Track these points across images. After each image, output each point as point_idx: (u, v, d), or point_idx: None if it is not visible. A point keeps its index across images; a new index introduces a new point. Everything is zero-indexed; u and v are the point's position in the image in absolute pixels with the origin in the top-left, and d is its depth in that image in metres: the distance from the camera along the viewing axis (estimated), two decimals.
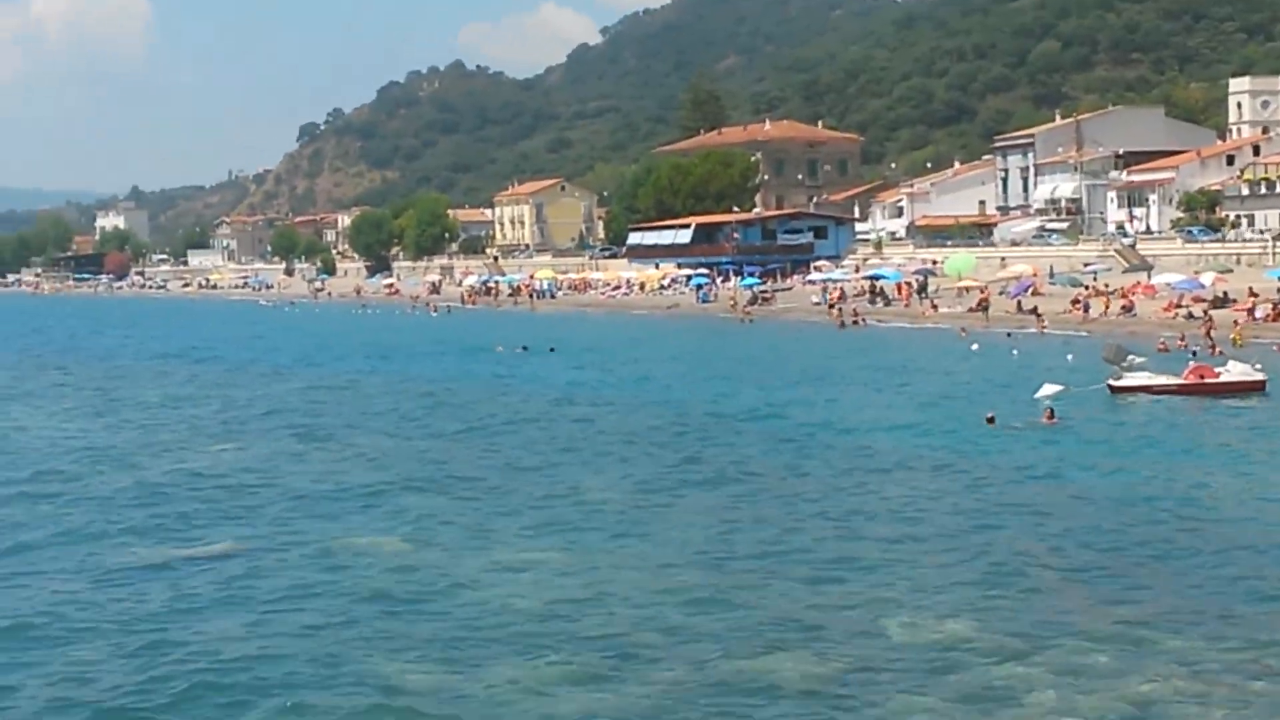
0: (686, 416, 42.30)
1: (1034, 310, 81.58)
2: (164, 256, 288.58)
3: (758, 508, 27.02)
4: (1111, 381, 45.19)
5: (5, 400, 52.60)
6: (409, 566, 22.15)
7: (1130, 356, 46.26)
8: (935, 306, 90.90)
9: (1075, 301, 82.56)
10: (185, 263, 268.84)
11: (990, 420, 38.36)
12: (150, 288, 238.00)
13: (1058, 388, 44.41)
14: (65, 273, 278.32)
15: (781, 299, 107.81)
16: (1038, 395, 43.52)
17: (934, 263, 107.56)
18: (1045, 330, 74.88)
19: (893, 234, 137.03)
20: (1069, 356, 56.47)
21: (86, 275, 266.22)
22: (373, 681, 16.36)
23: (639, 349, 72.39)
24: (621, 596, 20.04)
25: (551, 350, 70.42)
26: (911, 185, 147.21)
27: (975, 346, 65.45)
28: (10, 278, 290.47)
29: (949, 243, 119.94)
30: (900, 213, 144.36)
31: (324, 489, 29.70)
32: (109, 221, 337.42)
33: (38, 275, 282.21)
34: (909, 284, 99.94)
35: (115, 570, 22.35)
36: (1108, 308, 79.40)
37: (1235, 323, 67.60)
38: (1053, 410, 39.35)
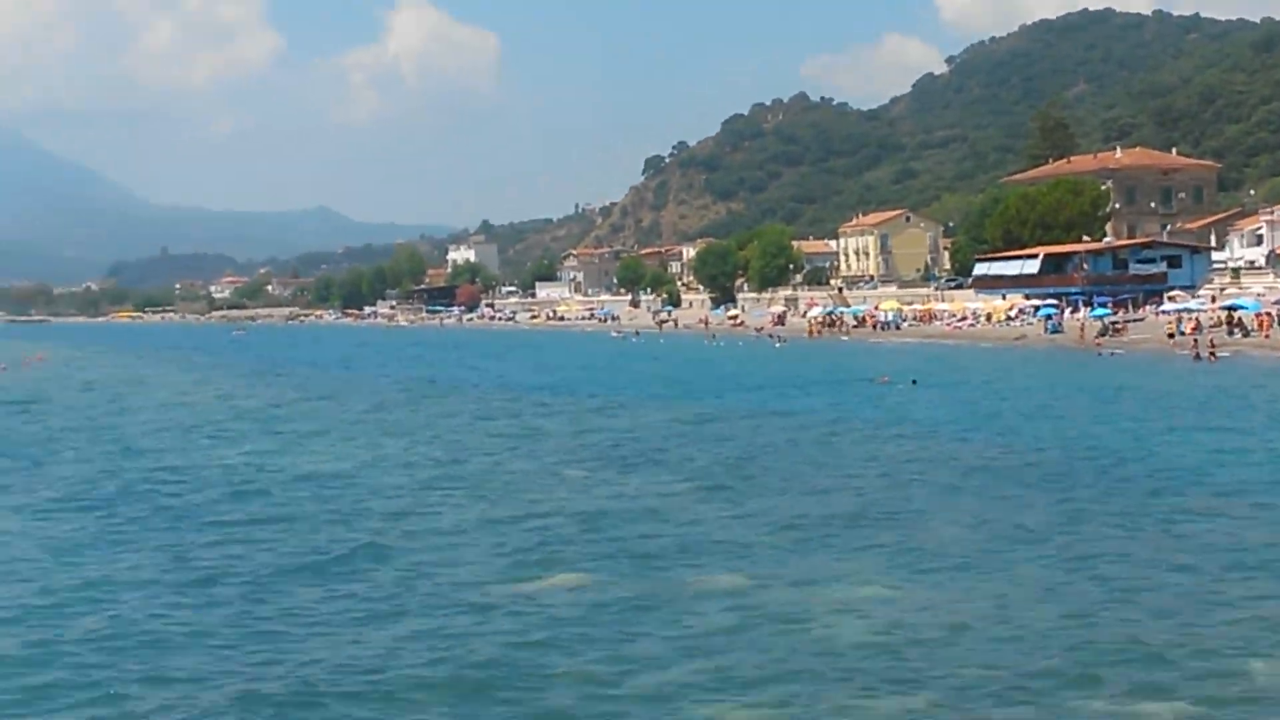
0: (1040, 453, 40.97)
1: None
2: (513, 288, 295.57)
3: (1110, 548, 25.83)
4: None
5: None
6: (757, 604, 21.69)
7: None
8: None
9: None
10: (533, 294, 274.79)
11: None
12: (500, 319, 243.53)
13: None
14: (419, 305, 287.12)
15: (1133, 330, 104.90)
16: None
17: None
18: None
19: (1252, 263, 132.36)
20: None
21: (439, 308, 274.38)
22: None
23: (991, 381, 71.02)
24: (971, 635, 19.33)
25: (914, 383, 69.42)
26: (1272, 212, 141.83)
27: None
28: (366, 309, 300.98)
29: None
30: (1260, 241, 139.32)
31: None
32: (460, 255, 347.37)
33: (393, 308, 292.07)
34: (1270, 315, 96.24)
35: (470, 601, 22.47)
36: None
37: None
38: None
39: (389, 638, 19.95)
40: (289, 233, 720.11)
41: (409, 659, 18.81)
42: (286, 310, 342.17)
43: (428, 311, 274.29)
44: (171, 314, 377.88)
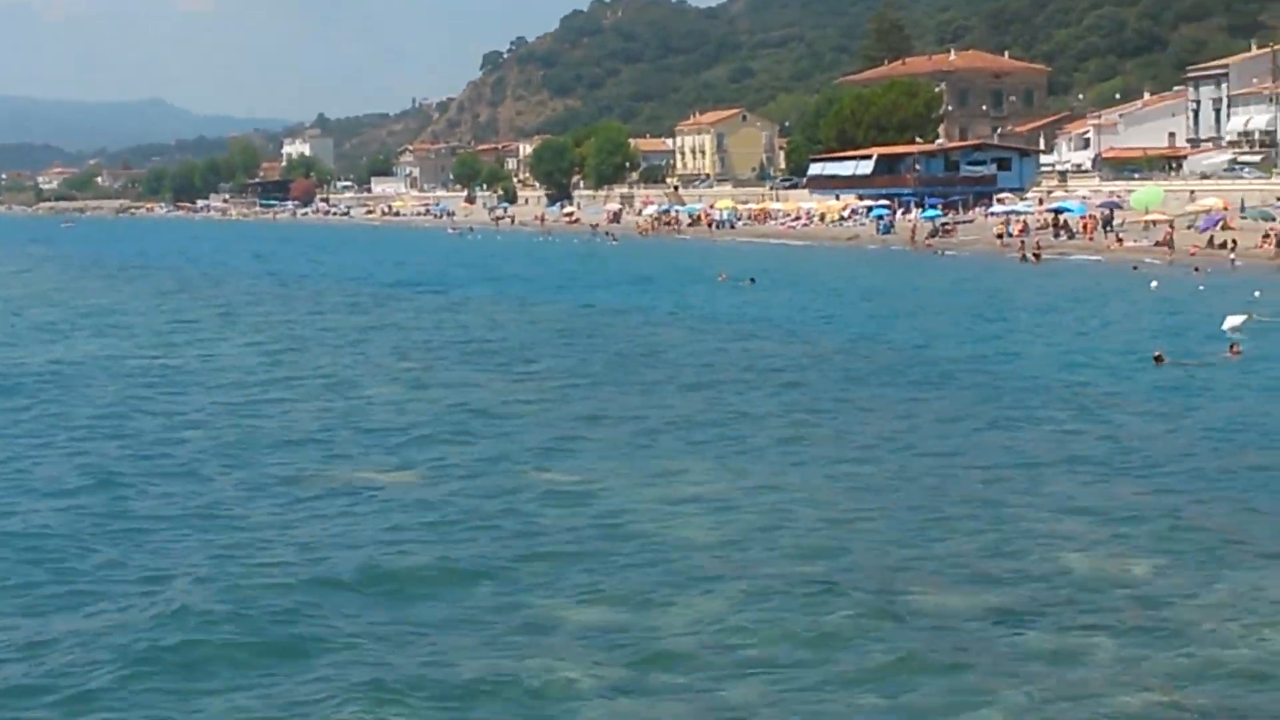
0: (858, 347, 41.92)
1: (1224, 244, 79.81)
2: (348, 184, 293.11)
3: (921, 440, 26.58)
4: None
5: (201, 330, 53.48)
6: (586, 496, 22.06)
7: None
8: (1120, 241, 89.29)
9: (1267, 236, 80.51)
10: (369, 190, 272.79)
11: (1158, 359, 36.23)
12: (335, 214, 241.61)
13: (1242, 317, 43.26)
14: (252, 199, 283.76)
15: (963, 231, 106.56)
16: (1225, 327, 42.45)
17: (1120, 196, 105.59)
18: (1236, 266, 73.12)
19: (1079, 166, 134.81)
20: (1256, 293, 54.66)
21: (273, 202, 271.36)
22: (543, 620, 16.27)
23: (827, 280, 72.13)
24: (794, 528, 19.84)
25: (752, 281, 70.09)
26: (1099, 117, 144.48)
27: (1154, 284, 63.69)
28: (200, 203, 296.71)
29: (1136, 176, 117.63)
30: (1087, 145, 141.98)
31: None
32: (295, 149, 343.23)
33: (226, 201, 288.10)
34: (1094, 218, 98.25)
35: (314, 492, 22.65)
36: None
37: None
38: (1235, 344, 37.81)
39: (229, 538, 20.04)
40: (120, 124, 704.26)
41: (244, 558, 18.94)
42: (117, 203, 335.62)
43: (261, 205, 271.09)
44: None
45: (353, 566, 17.87)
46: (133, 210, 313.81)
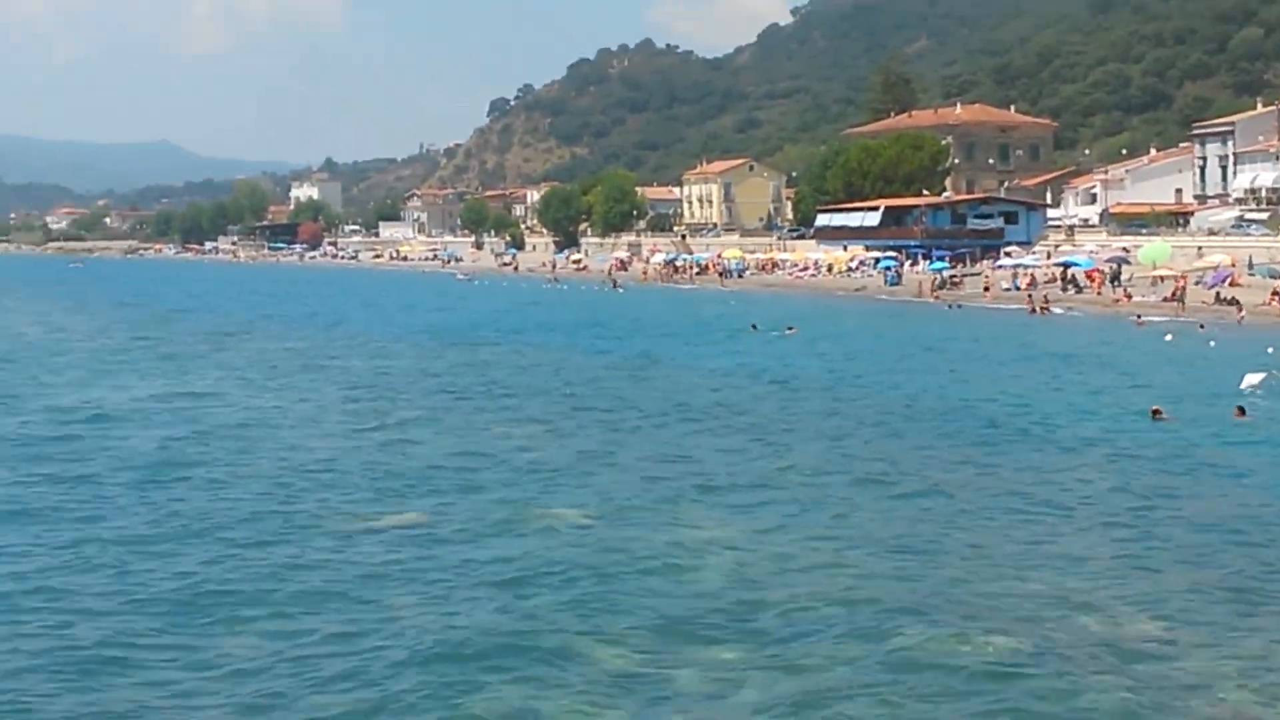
0: (867, 401, 42.45)
1: (1232, 301, 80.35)
2: (356, 227, 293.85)
3: (928, 491, 27.11)
4: None
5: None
6: (600, 542, 22.45)
7: None
8: (1129, 295, 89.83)
9: (1275, 293, 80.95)
10: (376, 234, 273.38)
11: (1156, 414, 36.55)
12: (342, 258, 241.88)
13: (1262, 375, 43.18)
14: (260, 241, 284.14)
15: (970, 284, 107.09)
16: (1244, 385, 42.41)
17: (1127, 250, 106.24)
18: (1243, 321, 73.62)
19: (1086, 221, 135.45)
20: (1269, 349, 54.87)
21: (281, 245, 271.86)
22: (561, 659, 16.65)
23: (832, 329, 72.70)
24: (804, 576, 20.32)
25: (754, 328, 71.25)
26: (1106, 172, 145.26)
27: (1169, 337, 64.35)
28: (208, 245, 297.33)
29: (1144, 231, 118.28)
30: (1094, 199, 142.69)
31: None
32: (303, 192, 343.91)
33: (234, 244, 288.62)
34: (1102, 272, 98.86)
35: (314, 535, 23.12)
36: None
37: None
38: (1243, 408, 37.34)
39: (231, 566, 20.60)
40: (129, 165, 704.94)
41: (245, 583, 19.49)
42: (125, 243, 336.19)
43: (269, 248, 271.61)
44: (7, 244, 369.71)
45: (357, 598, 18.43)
46: (141, 251, 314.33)
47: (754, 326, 72.89)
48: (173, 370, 51.41)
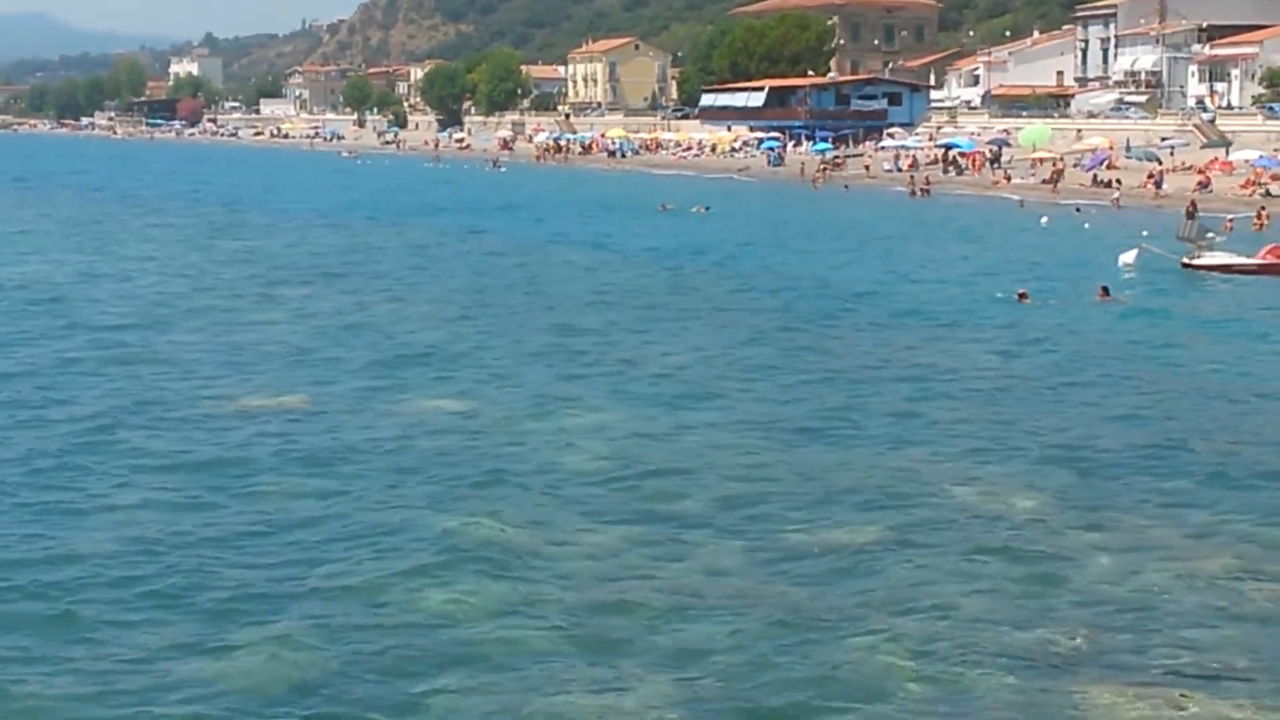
0: (750, 280, 42.41)
1: (1109, 183, 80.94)
2: (236, 105, 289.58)
3: (809, 372, 27.00)
4: (1186, 259, 43.24)
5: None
6: (475, 427, 22.10)
7: (1210, 235, 44.64)
8: (1008, 178, 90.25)
9: (1151, 176, 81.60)
10: (257, 111, 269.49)
11: (1022, 297, 36.78)
12: (222, 135, 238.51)
13: (1134, 252, 44.29)
14: (139, 118, 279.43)
15: (853, 165, 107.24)
16: (1121, 262, 43.54)
17: (1008, 133, 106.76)
18: (1119, 204, 74.12)
19: (968, 103, 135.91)
20: (1144, 233, 55.05)
21: (159, 121, 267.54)
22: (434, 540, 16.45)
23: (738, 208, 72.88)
24: (683, 463, 20.15)
25: (664, 207, 72.15)
26: (989, 54, 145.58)
27: (1045, 220, 64.56)
28: (83, 121, 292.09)
29: (1025, 113, 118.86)
30: (976, 81, 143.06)
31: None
32: (182, 68, 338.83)
33: (111, 119, 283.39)
34: (982, 154, 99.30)
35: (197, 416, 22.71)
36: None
37: None
38: (1107, 289, 37.45)
39: (113, 451, 20.19)
40: (1, 39, 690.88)
41: (117, 466, 19.14)
42: None
43: (148, 125, 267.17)
44: None
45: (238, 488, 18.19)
46: (15, 126, 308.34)
47: (664, 206, 72.93)
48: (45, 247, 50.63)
